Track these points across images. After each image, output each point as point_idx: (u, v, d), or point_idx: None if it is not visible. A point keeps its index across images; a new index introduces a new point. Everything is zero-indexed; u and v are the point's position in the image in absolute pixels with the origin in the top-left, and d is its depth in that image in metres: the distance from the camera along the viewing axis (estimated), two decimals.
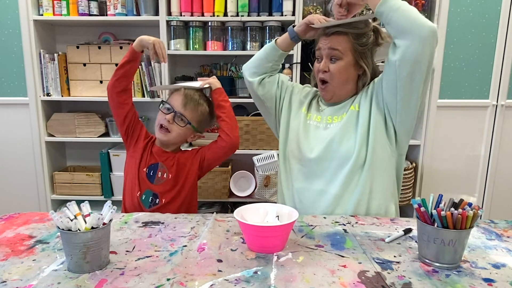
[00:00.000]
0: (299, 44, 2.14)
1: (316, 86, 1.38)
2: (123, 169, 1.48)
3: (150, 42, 1.37)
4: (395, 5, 1.08)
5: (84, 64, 2.28)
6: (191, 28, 2.23)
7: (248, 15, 2.20)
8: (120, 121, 1.43)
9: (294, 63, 2.18)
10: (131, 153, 1.45)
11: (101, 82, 2.28)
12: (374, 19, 1.24)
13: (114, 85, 1.39)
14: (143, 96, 2.28)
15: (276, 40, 1.33)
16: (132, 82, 1.45)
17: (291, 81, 2.16)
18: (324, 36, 1.22)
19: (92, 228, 0.79)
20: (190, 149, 1.50)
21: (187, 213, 1.15)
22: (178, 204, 1.40)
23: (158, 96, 2.26)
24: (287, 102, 1.37)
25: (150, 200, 1.38)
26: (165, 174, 1.40)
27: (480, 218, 1.14)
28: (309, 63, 2.12)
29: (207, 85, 1.43)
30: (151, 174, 1.40)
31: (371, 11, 1.19)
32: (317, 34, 1.27)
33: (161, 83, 2.23)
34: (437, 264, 0.82)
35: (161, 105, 1.41)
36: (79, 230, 0.78)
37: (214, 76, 1.50)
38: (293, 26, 1.30)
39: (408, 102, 1.15)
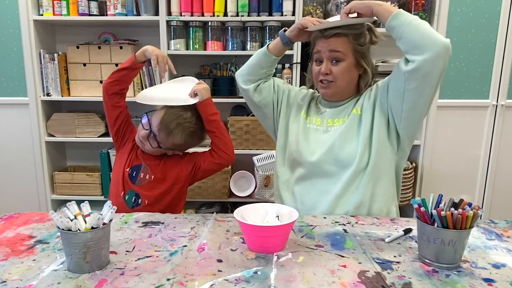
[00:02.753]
0: (299, 43, 2.14)
1: (312, 87, 1.38)
2: None
3: (154, 55, 1.36)
4: (407, 20, 1.06)
5: (84, 64, 2.28)
6: (191, 28, 2.23)
7: (248, 15, 2.19)
8: (111, 122, 1.43)
9: (294, 63, 2.18)
10: (120, 155, 1.46)
11: (101, 82, 2.28)
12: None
13: (107, 87, 1.39)
14: None
15: (268, 45, 1.32)
16: (128, 86, 1.44)
17: (289, 82, 2.17)
18: (323, 38, 1.20)
19: (92, 228, 0.79)
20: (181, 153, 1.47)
21: (187, 213, 1.16)
22: (162, 206, 1.39)
23: None
24: (285, 106, 1.36)
25: (133, 201, 1.38)
26: (147, 175, 1.39)
27: (480, 218, 1.14)
28: (309, 63, 2.12)
29: (196, 100, 1.39)
30: (133, 174, 1.40)
31: None
32: (311, 37, 1.26)
33: (161, 82, 2.23)
34: (437, 264, 0.82)
35: (144, 115, 1.38)
36: (79, 230, 0.78)
37: (202, 81, 1.45)
38: (284, 31, 1.28)
39: (415, 111, 1.13)
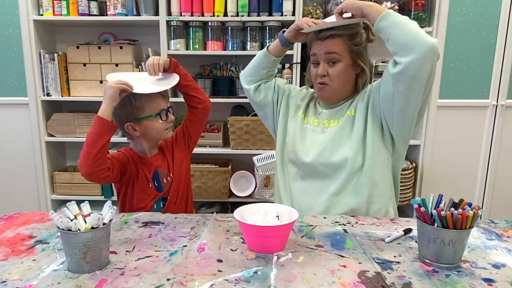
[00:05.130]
0: (299, 43, 2.14)
1: (312, 87, 1.38)
2: None
3: (117, 86, 1.18)
4: (394, 21, 1.04)
5: (84, 64, 2.28)
6: (191, 28, 2.23)
7: (248, 15, 2.20)
8: (113, 180, 1.31)
9: (294, 63, 2.18)
10: (132, 185, 1.34)
11: (101, 82, 2.28)
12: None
13: (96, 168, 1.16)
14: None
15: (268, 46, 1.32)
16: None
17: (290, 83, 2.17)
18: (318, 40, 1.19)
19: (92, 228, 0.79)
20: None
21: (187, 213, 1.16)
22: (180, 194, 1.38)
23: None
24: (284, 105, 1.36)
25: (162, 206, 1.36)
26: (168, 177, 1.38)
27: (480, 218, 1.14)
28: (308, 63, 2.12)
29: (176, 79, 1.32)
30: (156, 184, 1.36)
31: None
32: (308, 38, 1.26)
33: None
34: (437, 264, 0.82)
35: (159, 117, 1.30)
36: (79, 230, 0.78)
37: (150, 58, 1.31)
38: (283, 32, 1.29)
39: (406, 113, 1.12)
